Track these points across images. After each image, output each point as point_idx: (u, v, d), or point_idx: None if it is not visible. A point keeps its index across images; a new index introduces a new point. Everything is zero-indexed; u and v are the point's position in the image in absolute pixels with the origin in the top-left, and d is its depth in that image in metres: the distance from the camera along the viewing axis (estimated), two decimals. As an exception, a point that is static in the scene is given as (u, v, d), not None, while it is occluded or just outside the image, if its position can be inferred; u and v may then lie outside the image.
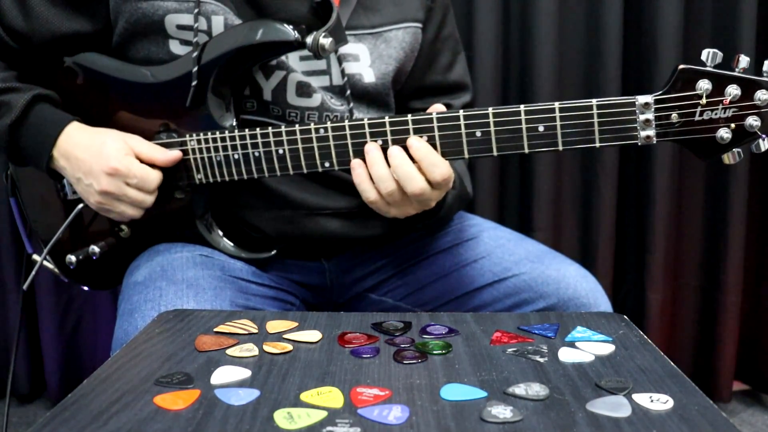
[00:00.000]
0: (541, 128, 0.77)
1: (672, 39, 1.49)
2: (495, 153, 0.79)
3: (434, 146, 0.80)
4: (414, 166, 0.79)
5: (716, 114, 0.73)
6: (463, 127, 0.79)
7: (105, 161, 0.85)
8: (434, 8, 1.01)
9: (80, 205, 0.94)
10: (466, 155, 0.80)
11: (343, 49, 0.93)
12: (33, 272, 1.01)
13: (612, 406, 0.53)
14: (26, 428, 1.57)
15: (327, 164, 0.85)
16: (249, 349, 0.65)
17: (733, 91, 0.72)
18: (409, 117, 0.80)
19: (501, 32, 1.51)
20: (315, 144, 0.84)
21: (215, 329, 0.71)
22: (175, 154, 0.90)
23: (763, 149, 0.74)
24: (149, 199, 0.88)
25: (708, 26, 1.54)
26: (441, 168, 0.79)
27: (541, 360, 0.63)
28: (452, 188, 0.93)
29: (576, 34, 1.54)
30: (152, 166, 0.88)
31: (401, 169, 0.79)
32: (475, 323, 0.73)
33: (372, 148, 0.81)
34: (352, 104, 0.93)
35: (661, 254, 1.59)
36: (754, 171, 1.59)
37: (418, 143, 0.79)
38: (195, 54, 0.88)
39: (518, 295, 0.96)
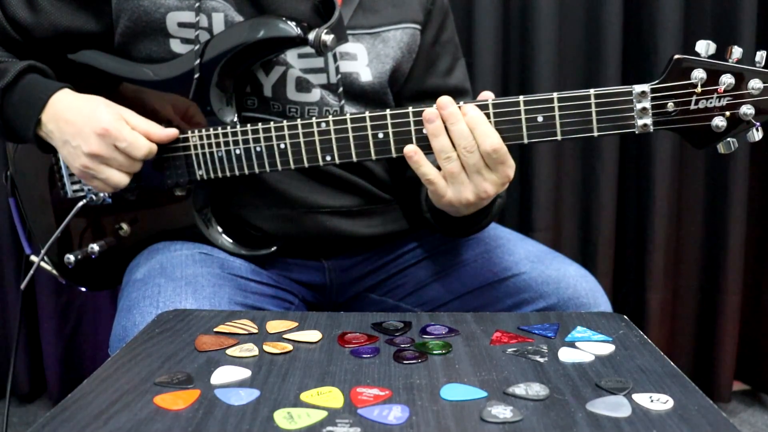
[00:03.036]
0: (540, 118, 0.78)
1: (672, 39, 1.49)
2: None
3: None
4: (467, 125, 0.78)
5: (711, 103, 0.74)
6: None
7: (96, 122, 0.85)
8: (433, 11, 1.01)
9: (80, 203, 0.94)
10: None
11: (342, 48, 0.93)
12: (30, 272, 1.01)
13: (612, 406, 0.53)
14: (26, 428, 1.57)
15: (328, 158, 0.85)
16: (249, 349, 0.65)
17: (727, 80, 0.73)
18: (410, 110, 0.81)
19: (501, 32, 1.52)
20: (316, 138, 0.84)
21: (215, 329, 0.71)
22: (172, 131, 0.90)
23: (756, 138, 0.75)
24: (136, 166, 0.88)
25: (708, 25, 1.54)
26: (491, 138, 0.77)
27: (541, 360, 0.63)
28: (500, 196, 0.91)
29: (576, 34, 1.54)
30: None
31: (456, 127, 0.77)
32: (475, 323, 0.73)
33: (433, 117, 0.79)
34: (343, 101, 0.93)
35: (661, 254, 1.59)
36: (754, 171, 1.59)
37: (473, 111, 0.78)
38: (197, 47, 0.88)
39: (518, 295, 0.96)
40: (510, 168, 0.80)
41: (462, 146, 0.77)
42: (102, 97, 0.90)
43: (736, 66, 0.73)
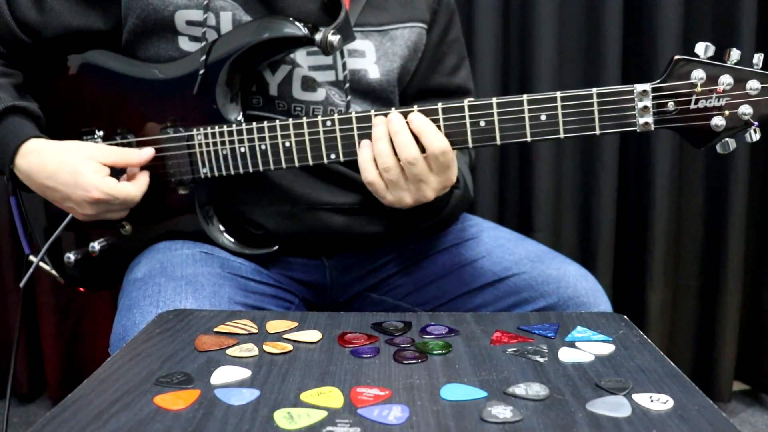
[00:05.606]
0: (543, 117, 0.79)
1: (672, 40, 1.49)
2: (498, 142, 0.81)
3: None
4: (411, 135, 0.81)
5: (710, 102, 0.76)
6: (467, 117, 0.81)
7: (84, 192, 0.86)
8: (439, 11, 1.02)
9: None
10: (470, 144, 0.82)
11: (350, 45, 0.94)
12: (29, 271, 1.01)
13: (612, 406, 0.53)
14: (26, 428, 1.57)
15: (333, 156, 0.86)
16: (249, 349, 0.65)
17: (726, 80, 0.75)
18: (415, 108, 0.82)
19: (501, 32, 1.52)
20: (321, 136, 0.85)
21: (215, 329, 0.71)
22: (147, 152, 0.91)
23: (755, 138, 0.76)
24: (133, 206, 0.92)
25: (708, 26, 1.54)
26: (440, 141, 0.80)
27: (541, 360, 0.63)
28: (456, 188, 0.93)
29: (576, 33, 1.54)
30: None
31: (398, 137, 0.80)
32: (475, 323, 0.73)
33: (379, 122, 0.82)
34: (349, 97, 0.93)
35: (661, 254, 1.59)
36: (755, 171, 1.59)
37: (418, 117, 0.81)
38: (203, 44, 0.89)
39: (518, 294, 0.96)
40: (453, 173, 0.83)
41: (404, 157, 0.80)
42: (111, 95, 0.90)
43: (735, 67, 0.75)
